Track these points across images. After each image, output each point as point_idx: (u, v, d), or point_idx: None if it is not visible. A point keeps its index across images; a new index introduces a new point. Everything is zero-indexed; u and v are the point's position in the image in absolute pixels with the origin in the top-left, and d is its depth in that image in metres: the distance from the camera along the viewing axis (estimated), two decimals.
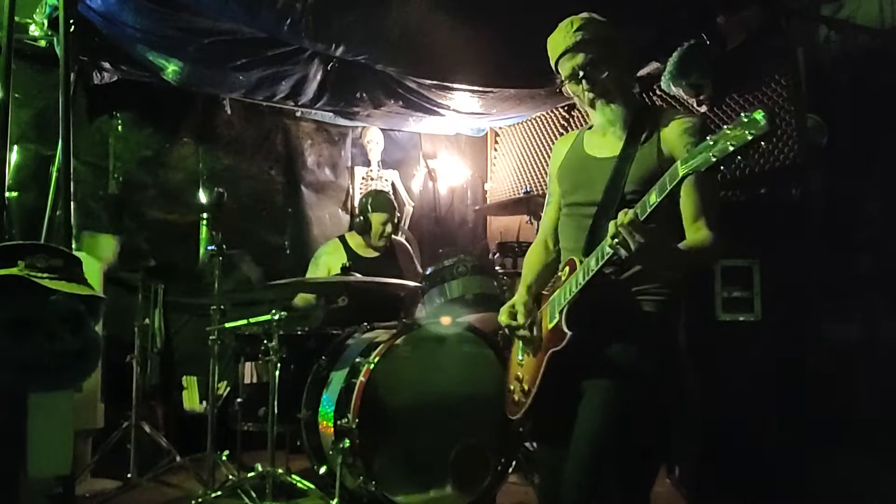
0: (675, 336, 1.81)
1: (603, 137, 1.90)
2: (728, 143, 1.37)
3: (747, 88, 3.64)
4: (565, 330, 1.68)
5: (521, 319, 1.86)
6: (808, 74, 3.41)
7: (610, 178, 1.79)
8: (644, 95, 4.17)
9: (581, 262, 1.73)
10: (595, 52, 1.80)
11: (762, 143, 1.35)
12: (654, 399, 1.72)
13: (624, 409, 1.68)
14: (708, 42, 3.62)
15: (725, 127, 1.39)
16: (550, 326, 1.76)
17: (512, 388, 1.89)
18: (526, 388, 1.81)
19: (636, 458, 1.71)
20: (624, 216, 1.50)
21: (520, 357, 1.89)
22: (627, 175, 1.76)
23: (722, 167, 1.42)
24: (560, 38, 1.84)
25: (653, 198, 1.52)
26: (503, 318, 1.90)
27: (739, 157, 1.39)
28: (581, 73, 1.81)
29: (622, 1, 3.21)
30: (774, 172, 3.48)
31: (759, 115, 1.34)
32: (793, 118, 3.40)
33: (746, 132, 1.35)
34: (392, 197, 4.16)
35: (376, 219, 3.96)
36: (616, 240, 1.51)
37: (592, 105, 1.85)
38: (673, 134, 1.76)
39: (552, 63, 1.89)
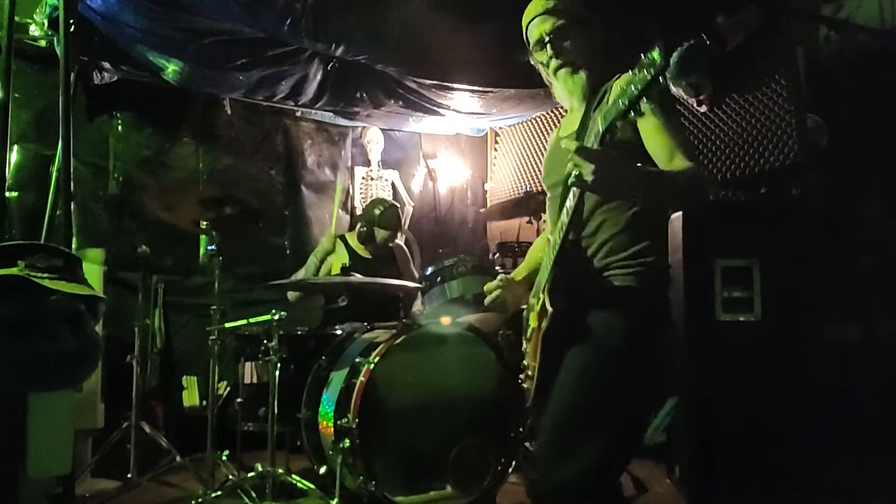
0: (652, 308, 1.76)
1: (571, 114, 1.91)
2: (633, 86, 1.40)
3: (747, 88, 3.64)
4: (548, 307, 1.69)
5: (502, 289, 1.95)
6: (808, 74, 3.42)
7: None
8: None
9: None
10: (563, 21, 1.83)
11: (661, 78, 1.38)
12: (626, 370, 1.68)
13: (594, 378, 1.67)
14: (708, 42, 3.62)
15: (631, 72, 1.42)
16: (538, 308, 1.78)
17: (522, 377, 1.91)
18: (531, 373, 1.83)
19: (609, 426, 1.66)
20: (571, 143, 1.50)
21: (524, 345, 1.91)
22: (609, 136, 1.71)
23: (633, 113, 1.44)
24: (532, 6, 1.88)
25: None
26: (489, 285, 1.97)
27: (645, 98, 1.41)
28: (547, 39, 1.83)
29: (622, 1, 3.22)
30: (774, 172, 3.48)
31: (654, 54, 1.38)
32: (793, 118, 3.40)
33: (646, 72, 1.38)
34: (399, 212, 4.15)
35: (381, 234, 4.00)
36: (573, 175, 1.50)
37: (556, 75, 1.86)
38: (617, 91, 1.71)
39: (524, 32, 1.91)
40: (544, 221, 4.34)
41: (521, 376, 1.91)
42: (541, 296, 1.76)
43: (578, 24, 1.84)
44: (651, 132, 1.69)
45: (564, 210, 1.65)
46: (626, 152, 1.64)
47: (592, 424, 1.66)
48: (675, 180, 1.65)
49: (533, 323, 1.83)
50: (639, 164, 1.63)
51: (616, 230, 1.75)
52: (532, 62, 1.93)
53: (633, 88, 1.41)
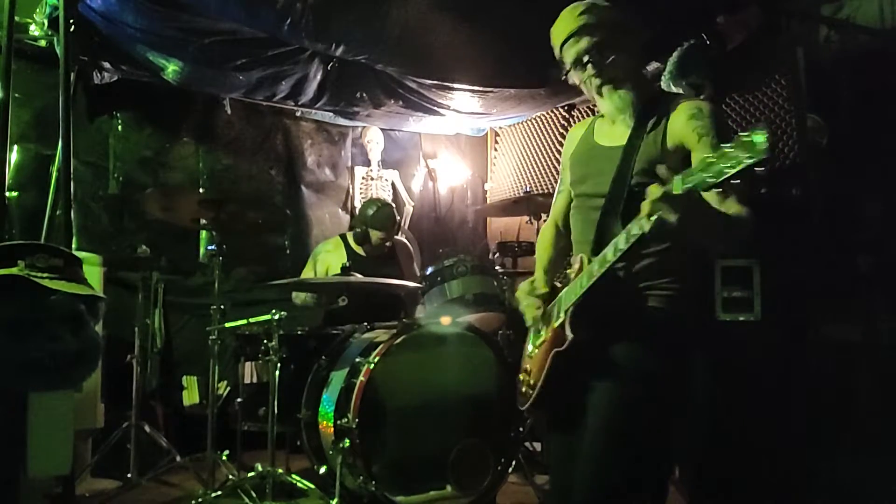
0: (685, 334, 1.74)
1: (613, 126, 1.85)
2: (723, 165, 1.30)
3: (747, 88, 3.64)
4: (568, 333, 1.67)
5: (542, 288, 1.85)
6: (808, 74, 3.41)
7: (617, 168, 1.73)
8: None
9: (589, 261, 1.69)
10: (600, 36, 1.74)
11: (758, 167, 1.27)
12: (659, 398, 1.67)
13: (628, 409, 1.65)
14: (708, 42, 3.62)
15: (725, 146, 1.30)
16: (555, 325, 1.75)
17: (521, 378, 1.89)
18: (532, 381, 1.81)
19: (645, 458, 1.67)
20: (658, 189, 1.42)
21: (530, 349, 1.88)
22: (633, 165, 1.70)
23: (720, 187, 1.36)
24: (563, 24, 1.79)
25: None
26: (521, 291, 1.88)
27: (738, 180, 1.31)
28: (586, 58, 1.75)
29: (622, 0, 3.22)
30: (774, 172, 3.48)
31: (760, 138, 1.23)
32: (793, 118, 3.41)
33: (743, 156, 1.26)
34: (394, 211, 4.07)
35: (375, 235, 3.94)
36: (654, 215, 1.43)
37: (600, 92, 1.79)
38: (679, 120, 1.69)
39: (556, 51, 1.83)
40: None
41: (520, 377, 1.89)
42: (561, 315, 1.72)
43: (616, 36, 1.76)
44: None
45: (613, 249, 1.58)
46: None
47: (627, 456, 1.64)
48: (738, 228, 1.60)
49: (545, 334, 1.80)
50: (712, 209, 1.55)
51: (655, 259, 1.70)
52: (569, 81, 1.85)
53: (722, 167, 1.29)
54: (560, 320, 1.72)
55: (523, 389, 1.86)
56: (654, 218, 1.44)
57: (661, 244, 1.68)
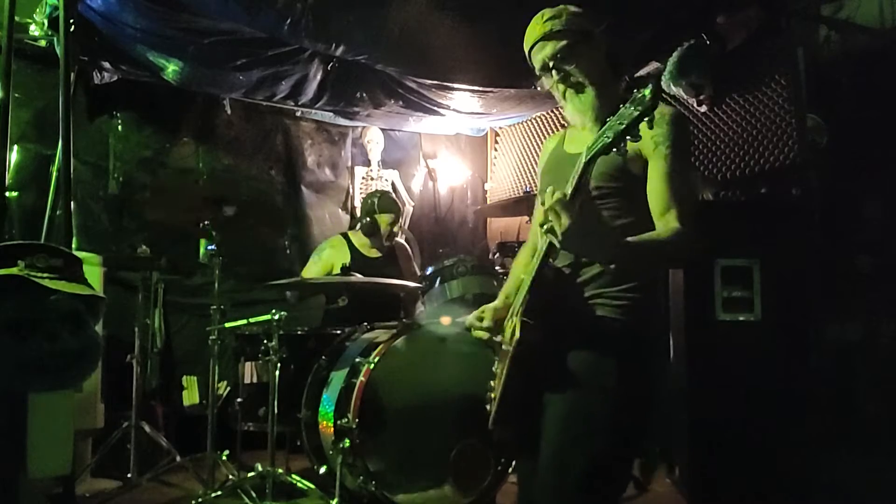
0: (643, 344, 1.69)
1: (581, 132, 1.84)
2: (619, 122, 1.38)
3: (747, 88, 3.64)
4: (517, 334, 1.61)
5: (486, 322, 1.81)
6: (808, 74, 3.42)
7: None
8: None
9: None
10: (566, 42, 1.75)
11: (646, 117, 1.35)
12: (614, 412, 1.60)
13: (581, 423, 1.61)
14: (708, 42, 3.62)
15: (622, 106, 1.39)
16: (508, 333, 1.70)
17: (487, 397, 1.83)
18: (494, 396, 1.75)
19: (600, 472, 1.60)
20: (551, 196, 1.44)
21: (494, 367, 1.82)
22: (591, 171, 1.62)
23: (615, 149, 1.41)
24: (531, 30, 1.80)
25: (567, 189, 1.48)
26: (469, 319, 1.85)
27: (629, 137, 1.38)
28: (551, 64, 1.76)
29: (622, 1, 3.22)
30: (774, 172, 3.49)
31: (646, 91, 1.35)
32: (793, 118, 3.41)
33: (633, 109, 1.35)
34: (395, 196, 4.17)
35: (384, 220, 3.97)
36: (545, 225, 1.45)
37: (564, 97, 1.80)
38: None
39: (527, 58, 1.84)
40: None
41: (488, 395, 1.81)
42: (513, 318, 1.67)
43: (581, 41, 1.76)
44: (655, 176, 1.63)
45: (544, 238, 1.54)
46: (629, 182, 1.62)
47: (585, 466, 1.59)
48: (650, 253, 1.60)
49: (505, 346, 1.74)
50: (615, 229, 1.56)
51: (604, 266, 1.67)
52: (539, 88, 1.86)
53: (618, 124, 1.37)
54: (513, 324, 1.67)
55: (488, 407, 1.79)
56: (545, 226, 1.46)
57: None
